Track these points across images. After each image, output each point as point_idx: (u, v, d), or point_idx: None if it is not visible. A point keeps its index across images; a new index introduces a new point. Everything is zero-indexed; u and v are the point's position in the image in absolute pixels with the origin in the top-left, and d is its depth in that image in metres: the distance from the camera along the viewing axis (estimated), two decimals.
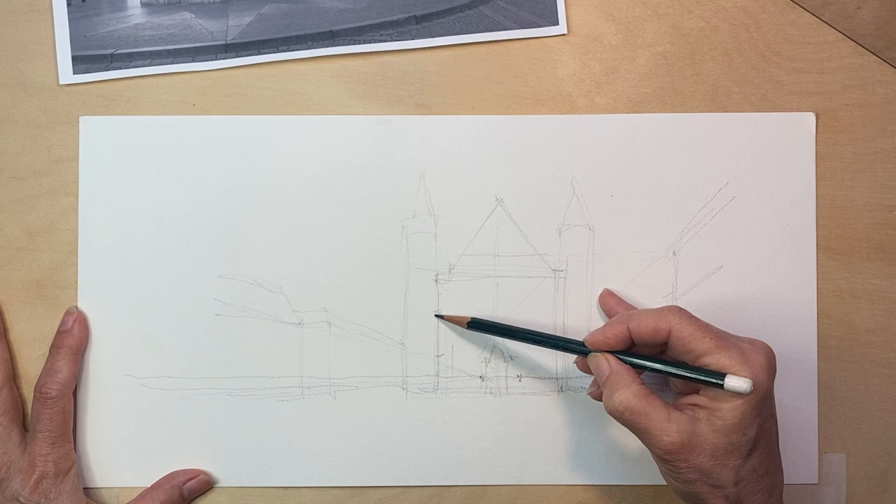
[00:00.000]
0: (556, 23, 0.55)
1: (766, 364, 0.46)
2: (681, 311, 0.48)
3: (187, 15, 0.55)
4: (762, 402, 0.46)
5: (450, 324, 0.55)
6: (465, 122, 0.55)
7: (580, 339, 0.50)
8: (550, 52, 0.56)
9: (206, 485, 0.55)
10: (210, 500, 0.55)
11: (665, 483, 0.55)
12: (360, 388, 0.55)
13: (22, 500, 0.51)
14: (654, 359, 0.49)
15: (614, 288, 0.55)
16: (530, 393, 0.56)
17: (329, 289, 0.55)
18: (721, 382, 0.45)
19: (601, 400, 0.49)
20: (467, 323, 0.54)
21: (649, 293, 0.55)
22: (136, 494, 0.54)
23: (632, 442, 0.55)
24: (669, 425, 0.46)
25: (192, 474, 0.54)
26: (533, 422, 0.55)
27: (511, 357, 0.56)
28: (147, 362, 0.55)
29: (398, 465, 0.55)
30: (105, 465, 0.55)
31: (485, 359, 0.56)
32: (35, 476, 0.51)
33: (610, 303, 0.54)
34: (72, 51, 0.55)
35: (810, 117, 0.56)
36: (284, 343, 0.55)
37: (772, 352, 0.47)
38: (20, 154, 0.55)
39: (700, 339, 0.47)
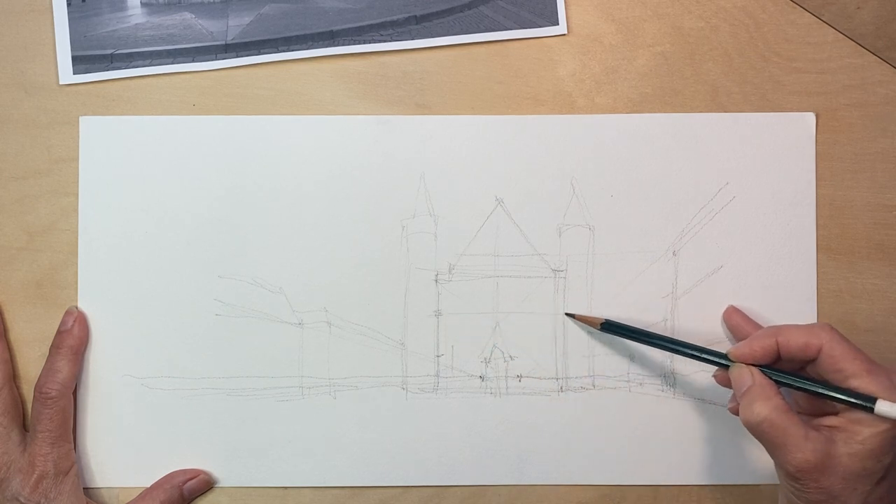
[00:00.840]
0: (556, 23, 0.55)
1: None
2: (832, 330, 0.47)
3: (187, 15, 0.55)
4: None
5: (581, 324, 0.55)
6: (465, 122, 0.55)
7: (721, 350, 0.50)
8: (550, 52, 0.56)
9: (206, 485, 0.55)
10: (210, 500, 0.55)
11: (664, 483, 0.55)
12: (360, 388, 0.55)
13: (22, 500, 0.51)
14: (801, 376, 0.48)
15: (614, 288, 0.55)
16: (530, 393, 0.56)
17: (329, 289, 0.55)
18: (871, 406, 0.45)
19: (738, 415, 0.48)
20: (601, 325, 0.54)
21: (649, 293, 0.55)
22: (136, 494, 0.54)
23: (631, 442, 0.55)
24: (806, 443, 0.45)
25: (192, 474, 0.54)
26: (533, 422, 0.55)
27: (511, 357, 0.56)
28: (147, 362, 0.55)
29: (398, 465, 0.55)
30: (105, 465, 0.55)
31: (485, 359, 0.56)
32: (35, 476, 0.51)
33: (736, 318, 0.54)
34: (72, 51, 0.55)
35: (810, 117, 0.56)
36: (284, 343, 0.55)
37: None
38: (20, 154, 0.55)
39: (851, 360, 0.46)
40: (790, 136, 0.56)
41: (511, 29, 0.55)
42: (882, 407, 0.45)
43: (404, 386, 0.55)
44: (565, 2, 0.55)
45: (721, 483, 0.55)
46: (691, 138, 0.56)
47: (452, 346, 0.56)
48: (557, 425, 0.55)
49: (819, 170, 0.56)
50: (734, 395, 0.50)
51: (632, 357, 0.55)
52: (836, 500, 0.46)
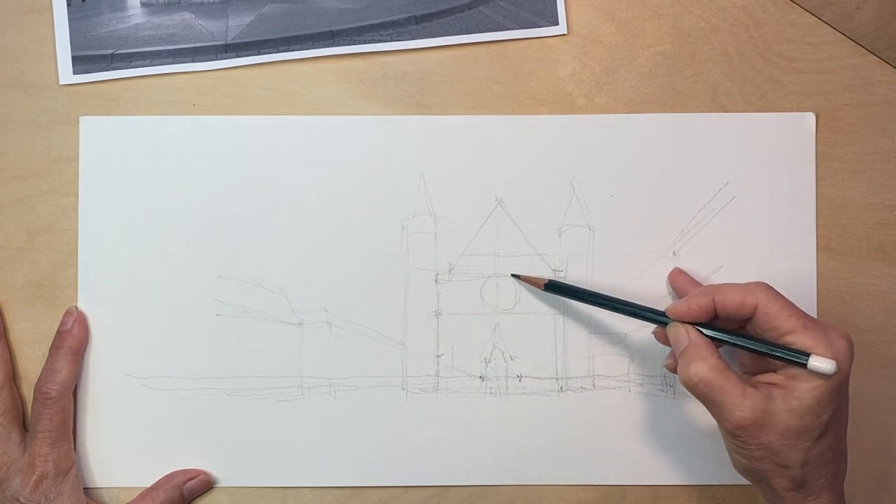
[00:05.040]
0: (556, 23, 0.55)
1: (848, 349, 0.46)
2: (768, 288, 0.48)
3: (187, 15, 0.55)
4: (840, 388, 0.46)
5: (526, 285, 0.55)
6: (465, 122, 0.55)
7: (660, 308, 0.50)
8: (550, 52, 0.56)
9: (206, 485, 0.55)
10: (210, 500, 0.55)
11: (663, 483, 0.55)
12: (360, 388, 0.55)
13: (22, 500, 0.51)
14: (736, 334, 0.48)
15: (614, 288, 0.55)
16: (530, 393, 0.56)
17: (329, 289, 0.55)
18: (804, 362, 0.45)
19: (676, 372, 0.49)
20: (544, 285, 0.54)
21: (649, 293, 0.55)
22: (136, 494, 0.54)
23: (631, 442, 0.55)
24: (743, 401, 0.46)
25: (192, 474, 0.54)
26: (533, 422, 0.55)
27: (511, 357, 0.56)
28: (147, 362, 0.55)
29: (398, 465, 0.55)
30: (105, 465, 0.55)
31: (485, 359, 0.56)
32: (35, 476, 0.51)
33: (681, 280, 0.54)
34: (72, 51, 0.55)
35: (810, 117, 0.56)
36: (284, 343, 0.55)
37: (851, 338, 0.47)
38: (20, 154, 0.55)
39: (786, 318, 0.46)
40: (790, 136, 0.56)
41: (511, 29, 0.55)
42: (815, 362, 0.45)
43: (404, 386, 0.55)
44: (565, 2, 0.55)
45: (721, 483, 0.56)
46: (691, 138, 0.56)
47: (452, 346, 0.56)
48: (557, 425, 0.55)
49: (819, 170, 0.56)
50: (672, 352, 0.50)
51: (632, 357, 0.55)
52: (776, 456, 0.46)
